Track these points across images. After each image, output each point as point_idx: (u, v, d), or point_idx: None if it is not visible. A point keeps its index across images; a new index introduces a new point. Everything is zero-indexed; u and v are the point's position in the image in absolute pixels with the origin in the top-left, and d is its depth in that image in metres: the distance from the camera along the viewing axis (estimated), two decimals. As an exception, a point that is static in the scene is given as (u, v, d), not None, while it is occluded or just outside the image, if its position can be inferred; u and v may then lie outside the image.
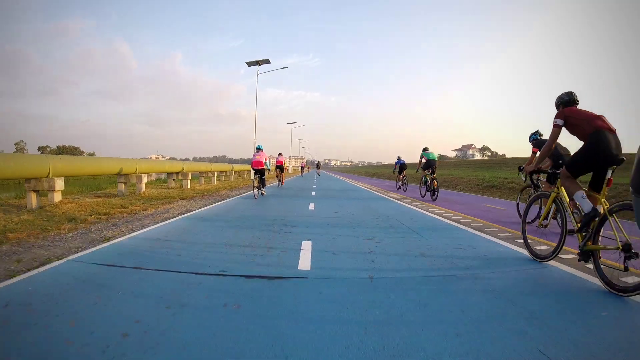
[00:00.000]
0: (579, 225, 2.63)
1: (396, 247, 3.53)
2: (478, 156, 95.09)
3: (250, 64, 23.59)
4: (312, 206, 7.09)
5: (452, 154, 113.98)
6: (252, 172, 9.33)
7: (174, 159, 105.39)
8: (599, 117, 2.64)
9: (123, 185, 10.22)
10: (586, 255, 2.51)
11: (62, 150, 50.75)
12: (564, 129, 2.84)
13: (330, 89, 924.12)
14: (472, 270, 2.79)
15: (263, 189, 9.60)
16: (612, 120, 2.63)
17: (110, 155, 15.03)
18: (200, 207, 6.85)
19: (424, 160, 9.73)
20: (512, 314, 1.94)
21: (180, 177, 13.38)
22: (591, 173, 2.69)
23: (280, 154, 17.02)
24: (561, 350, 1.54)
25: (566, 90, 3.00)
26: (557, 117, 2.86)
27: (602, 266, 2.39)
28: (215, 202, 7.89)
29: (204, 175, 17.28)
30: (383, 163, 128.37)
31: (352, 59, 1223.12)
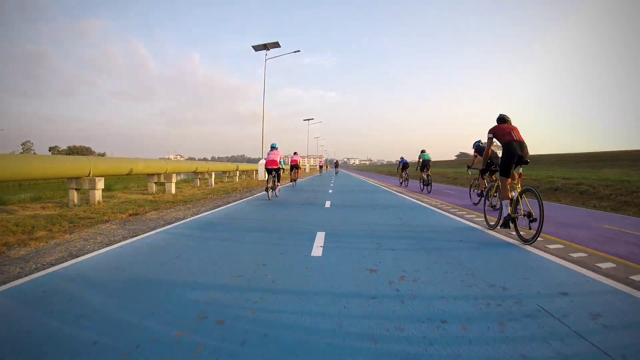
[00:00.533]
0: (510, 214, 3.99)
1: None
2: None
3: (257, 47, 20.76)
4: (320, 240, 3.83)
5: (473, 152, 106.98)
6: (260, 171, 9.48)
7: (192, 158, 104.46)
8: (509, 133, 4.06)
9: (75, 192, 7.66)
10: (512, 220, 3.97)
11: (72, 151, 50.27)
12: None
13: (349, 87, 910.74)
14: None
15: (277, 189, 9.27)
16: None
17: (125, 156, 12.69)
18: (129, 238, 3.96)
19: (420, 160, 11.65)
20: (451, 250, 3.52)
21: (163, 179, 10.72)
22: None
23: (295, 153, 15.81)
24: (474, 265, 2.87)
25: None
26: (489, 132, 4.34)
27: (518, 227, 3.94)
28: (175, 222, 4.99)
29: (200, 176, 14.63)
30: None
31: (370, 57, 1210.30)
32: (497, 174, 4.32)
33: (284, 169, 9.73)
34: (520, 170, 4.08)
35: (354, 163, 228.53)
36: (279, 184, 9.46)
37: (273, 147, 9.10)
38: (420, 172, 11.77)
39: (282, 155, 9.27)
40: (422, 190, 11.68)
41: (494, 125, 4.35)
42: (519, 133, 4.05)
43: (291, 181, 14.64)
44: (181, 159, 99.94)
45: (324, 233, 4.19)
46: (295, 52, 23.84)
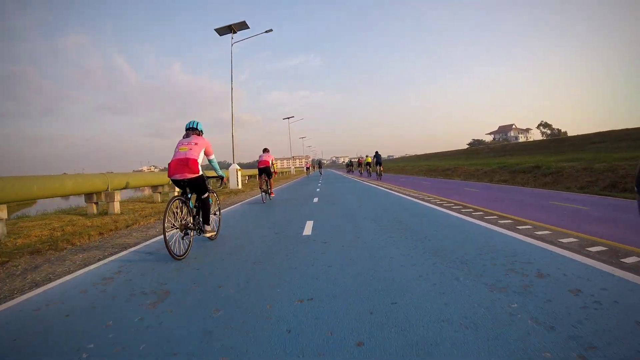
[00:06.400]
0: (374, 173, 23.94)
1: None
2: (522, 138, 78.92)
3: (221, 31, 16.55)
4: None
5: (489, 138, 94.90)
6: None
7: (167, 169, 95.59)
8: (377, 156, 21.79)
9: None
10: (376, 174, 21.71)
11: None
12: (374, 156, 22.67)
13: (335, 86, 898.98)
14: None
15: (212, 225, 4.21)
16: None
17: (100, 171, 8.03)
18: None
19: (374, 159, 22.24)
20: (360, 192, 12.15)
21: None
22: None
23: (265, 150, 10.00)
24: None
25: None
26: (374, 155, 22.00)
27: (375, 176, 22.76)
28: None
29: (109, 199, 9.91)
30: (394, 157, 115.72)
31: (357, 54, 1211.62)
32: (378, 166, 21.19)
33: (224, 178, 4.90)
34: (381, 162, 21.29)
35: (343, 162, 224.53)
36: (200, 223, 4.07)
37: (190, 128, 4.16)
38: (375, 166, 21.46)
39: (208, 143, 4.16)
40: (377, 178, 20.46)
41: (375, 152, 21.80)
42: (378, 152, 21.73)
43: (263, 192, 9.72)
44: (155, 170, 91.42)
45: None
46: (267, 31, 19.44)
